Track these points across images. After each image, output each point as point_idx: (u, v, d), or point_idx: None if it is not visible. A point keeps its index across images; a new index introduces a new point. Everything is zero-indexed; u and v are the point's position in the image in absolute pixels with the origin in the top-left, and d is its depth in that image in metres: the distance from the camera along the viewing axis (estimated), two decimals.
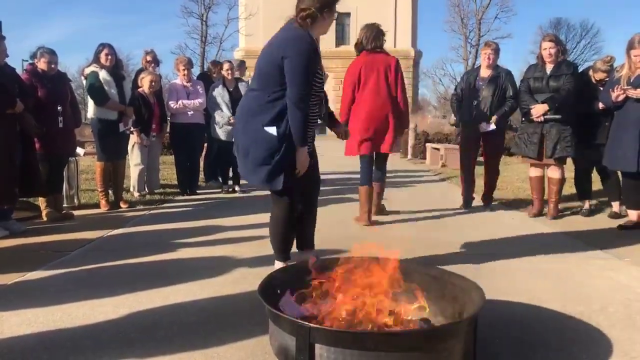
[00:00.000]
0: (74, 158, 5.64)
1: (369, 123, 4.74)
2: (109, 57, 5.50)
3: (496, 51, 5.48)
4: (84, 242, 4.13)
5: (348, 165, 9.16)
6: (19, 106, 4.27)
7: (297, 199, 3.05)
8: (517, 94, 5.30)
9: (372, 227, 4.75)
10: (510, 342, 2.29)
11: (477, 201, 5.81)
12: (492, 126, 5.31)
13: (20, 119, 4.39)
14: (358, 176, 5.01)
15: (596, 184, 5.56)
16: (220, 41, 39.65)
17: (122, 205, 5.67)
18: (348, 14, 38.08)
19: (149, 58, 6.82)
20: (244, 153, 2.92)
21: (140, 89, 6.24)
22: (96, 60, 5.50)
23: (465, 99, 5.53)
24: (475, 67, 5.70)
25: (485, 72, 5.48)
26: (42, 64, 4.88)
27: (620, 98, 4.45)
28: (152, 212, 5.54)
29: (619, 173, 4.96)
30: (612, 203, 5.27)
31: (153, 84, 6.33)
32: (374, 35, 4.81)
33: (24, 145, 4.47)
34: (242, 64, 8.97)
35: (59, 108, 4.92)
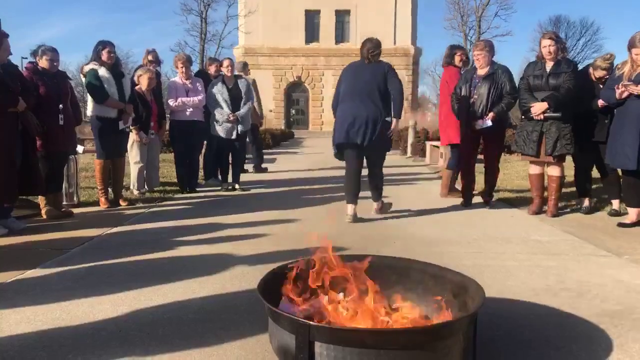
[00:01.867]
0: (73, 156, 5.64)
1: (441, 121, 6.41)
2: (112, 55, 5.49)
3: (485, 49, 5.43)
4: (84, 240, 4.13)
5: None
6: (21, 104, 4.26)
7: None
8: (514, 89, 5.30)
9: (374, 224, 4.76)
10: (509, 340, 2.29)
11: (477, 199, 5.80)
12: (488, 123, 5.30)
13: (22, 118, 4.38)
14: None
15: (596, 181, 5.56)
16: (219, 39, 39.62)
17: (121, 203, 5.66)
18: (348, 12, 38.05)
19: (150, 57, 6.80)
20: (374, 133, 4.70)
21: (137, 87, 6.21)
22: (95, 57, 5.48)
23: (463, 97, 5.53)
24: (474, 65, 5.70)
25: (482, 70, 5.47)
26: (44, 62, 4.87)
27: (625, 95, 4.45)
28: (151, 210, 5.53)
29: (619, 170, 4.95)
30: (612, 201, 5.26)
31: (151, 81, 6.31)
32: (446, 54, 6.41)
33: (24, 144, 4.46)
34: (245, 66, 9.11)
35: (60, 106, 4.91)
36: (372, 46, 4.88)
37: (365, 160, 4.99)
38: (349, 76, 4.98)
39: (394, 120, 4.85)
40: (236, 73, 8.93)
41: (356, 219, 4.86)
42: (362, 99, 4.75)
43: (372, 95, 4.74)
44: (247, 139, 9.05)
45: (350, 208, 4.88)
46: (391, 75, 4.82)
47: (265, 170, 9.17)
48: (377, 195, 5.13)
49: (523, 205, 5.66)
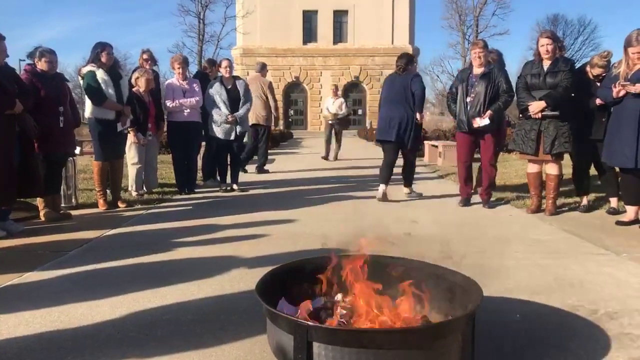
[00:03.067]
0: (72, 158, 5.63)
1: None
2: (110, 56, 5.49)
3: (485, 48, 5.48)
4: (82, 242, 4.12)
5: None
6: (18, 107, 4.26)
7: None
8: (511, 88, 5.33)
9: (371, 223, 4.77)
10: (508, 339, 2.30)
11: (475, 198, 5.81)
12: (486, 121, 5.31)
13: (20, 120, 4.37)
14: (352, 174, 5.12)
15: (594, 179, 5.57)
16: (217, 39, 39.58)
17: (120, 204, 5.65)
18: (345, 12, 38.04)
19: (145, 57, 6.81)
20: (407, 132, 5.87)
21: (135, 89, 6.19)
22: (93, 59, 5.46)
23: (459, 96, 5.54)
24: (469, 64, 5.74)
25: (478, 69, 5.48)
26: (42, 64, 4.86)
27: (622, 94, 4.45)
28: (150, 211, 5.53)
29: (617, 168, 4.96)
30: (610, 199, 5.27)
31: (149, 82, 6.30)
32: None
33: (22, 146, 4.45)
34: (264, 67, 9.28)
35: (60, 108, 4.91)
36: (401, 62, 6.07)
37: (400, 153, 6.12)
38: (386, 85, 6.20)
39: (417, 114, 5.88)
40: (255, 73, 9.23)
41: (385, 197, 5.99)
42: (395, 104, 5.93)
43: (403, 101, 5.88)
44: (260, 139, 9.18)
45: (381, 187, 6.07)
46: (414, 81, 5.93)
47: (267, 171, 9.17)
48: (408, 181, 6.29)
49: (521, 204, 5.67)
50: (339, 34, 38.83)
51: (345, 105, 12.41)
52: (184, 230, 4.56)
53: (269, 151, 10.45)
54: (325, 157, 11.79)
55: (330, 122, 12.02)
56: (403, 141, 5.90)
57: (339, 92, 13.22)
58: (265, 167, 9.33)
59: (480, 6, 41.45)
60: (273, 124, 9.41)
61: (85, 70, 5.47)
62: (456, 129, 6.05)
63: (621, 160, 4.53)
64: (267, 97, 8.96)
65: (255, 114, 8.79)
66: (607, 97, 4.64)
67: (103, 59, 5.42)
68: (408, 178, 6.30)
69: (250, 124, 8.93)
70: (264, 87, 8.95)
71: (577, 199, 5.55)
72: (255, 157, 9.42)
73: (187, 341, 2.27)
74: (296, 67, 38.63)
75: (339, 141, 12.06)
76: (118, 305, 2.71)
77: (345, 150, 13.18)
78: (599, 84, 4.97)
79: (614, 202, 5.21)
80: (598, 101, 4.88)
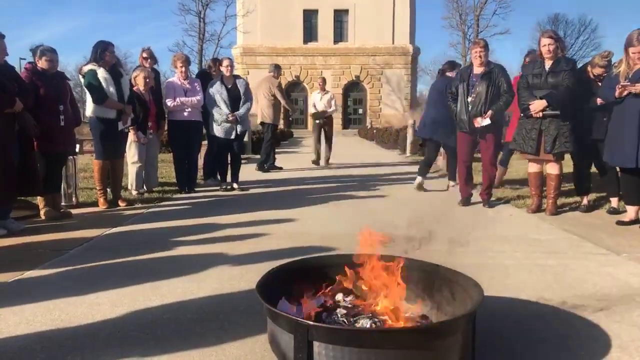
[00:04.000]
0: (72, 156, 5.63)
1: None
2: (113, 55, 5.50)
3: (485, 48, 5.49)
4: (82, 241, 4.12)
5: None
6: (18, 105, 4.26)
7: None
8: (511, 88, 5.34)
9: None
10: (508, 338, 2.30)
11: (476, 197, 5.80)
12: (487, 121, 5.31)
13: (20, 118, 4.37)
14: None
15: (595, 179, 5.57)
16: (218, 38, 39.58)
17: (120, 203, 5.65)
18: (346, 11, 38.02)
19: (145, 55, 6.82)
20: (447, 131, 6.26)
21: (135, 88, 6.19)
22: (94, 58, 5.46)
23: (460, 95, 5.54)
24: (469, 63, 5.74)
25: (478, 69, 5.48)
26: (43, 63, 4.86)
27: (625, 94, 4.44)
28: (150, 210, 5.53)
29: (618, 168, 4.95)
30: (611, 199, 5.27)
31: (147, 80, 6.31)
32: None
33: (22, 144, 4.45)
34: (276, 68, 9.56)
35: (60, 107, 4.91)
36: (443, 66, 7.00)
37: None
38: (430, 87, 7.15)
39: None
40: (269, 74, 9.51)
41: (420, 187, 6.70)
42: (431, 107, 6.76)
43: (437, 102, 6.47)
44: (266, 138, 9.39)
45: (419, 178, 6.78)
46: (448, 88, 6.16)
47: (268, 170, 9.27)
48: (450, 175, 6.90)
49: (522, 204, 5.66)
50: (339, 33, 38.81)
51: (335, 101, 10.65)
52: (184, 229, 4.56)
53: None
54: (316, 162, 10.33)
55: (317, 121, 10.47)
56: (439, 139, 6.64)
57: (327, 86, 11.09)
58: (266, 166, 9.38)
59: (480, 5, 41.46)
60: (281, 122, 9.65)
61: (86, 69, 5.47)
62: (457, 128, 6.04)
63: (622, 159, 4.53)
64: (274, 97, 9.30)
65: (260, 112, 9.33)
66: (609, 97, 4.63)
67: (107, 58, 5.42)
68: (451, 169, 6.86)
69: (259, 122, 9.46)
70: (272, 87, 9.30)
71: (578, 198, 5.55)
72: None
73: (188, 340, 2.27)
74: (296, 67, 38.60)
75: (329, 143, 10.39)
76: (118, 304, 2.71)
77: (346, 150, 13.13)
78: (600, 83, 4.97)
79: (614, 201, 5.21)
80: (599, 101, 4.87)
